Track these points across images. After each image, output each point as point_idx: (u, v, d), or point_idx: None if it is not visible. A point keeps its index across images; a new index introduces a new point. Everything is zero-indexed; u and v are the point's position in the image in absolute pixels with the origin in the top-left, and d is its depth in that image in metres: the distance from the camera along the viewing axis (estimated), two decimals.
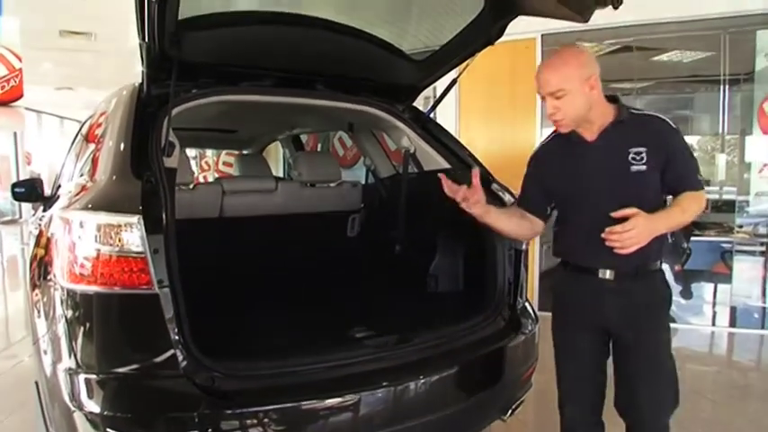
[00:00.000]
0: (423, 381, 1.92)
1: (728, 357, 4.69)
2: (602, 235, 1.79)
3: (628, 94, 5.97)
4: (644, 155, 1.86)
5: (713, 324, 5.27)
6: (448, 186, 1.98)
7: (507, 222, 2.09)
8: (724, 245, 5.40)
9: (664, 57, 6.43)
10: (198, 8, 2.03)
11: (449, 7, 2.38)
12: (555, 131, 2.04)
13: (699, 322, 5.27)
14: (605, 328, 1.99)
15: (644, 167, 1.86)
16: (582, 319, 2.01)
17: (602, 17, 2.12)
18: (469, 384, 2.11)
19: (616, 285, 1.92)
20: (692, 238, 5.40)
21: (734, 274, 5.24)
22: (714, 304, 5.61)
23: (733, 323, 5.12)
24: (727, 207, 5.67)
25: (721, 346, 4.93)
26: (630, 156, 1.87)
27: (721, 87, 5.52)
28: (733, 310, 5.22)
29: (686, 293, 5.59)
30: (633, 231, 1.76)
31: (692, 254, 5.40)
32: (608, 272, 1.93)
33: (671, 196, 1.95)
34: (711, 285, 5.70)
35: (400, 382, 1.88)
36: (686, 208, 1.88)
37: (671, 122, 1.93)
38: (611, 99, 1.96)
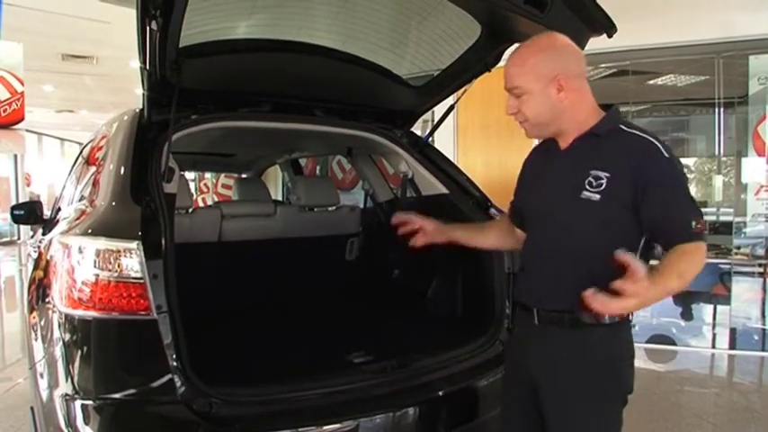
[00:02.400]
0: (422, 406, 1.92)
1: (729, 379, 4.66)
2: (585, 293, 1.30)
3: (624, 117, 6.01)
4: (603, 181, 1.47)
5: (713, 346, 5.26)
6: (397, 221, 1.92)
7: (484, 238, 1.94)
8: (722, 266, 5.41)
9: (659, 80, 6.51)
10: (198, 36, 2.07)
11: (446, 34, 2.41)
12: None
13: (698, 344, 5.26)
14: (531, 384, 1.60)
15: (597, 196, 1.47)
16: (511, 369, 1.74)
17: (597, 42, 2.16)
18: (469, 410, 2.10)
19: (541, 331, 1.57)
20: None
21: (733, 296, 5.24)
22: (714, 326, 5.59)
23: (733, 345, 5.11)
24: (725, 228, 5.70)
25: (721, 368, 4.90)
26: (588, 179, 1.49)
27: (716, 110, 5.59)
28: (733, 331, 5.22)
29: (686, 315, 5.58)
30: (617, 300, 1.27)
31: None
32: (535, 311, 1.58)
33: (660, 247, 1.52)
34: (711, 307, 5.70)
35: (399, 408, 1.87)
36: (683, 273, 1.38)
37: (662, 148, 1.48)
38: (606, 108, 1.63)
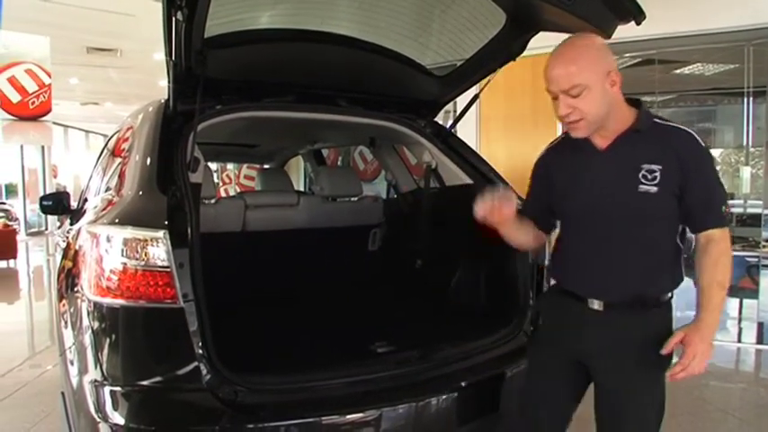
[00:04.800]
0: (444, 396, 1.92)
1: (756, 374, 4.59)
2: (668, 379, 1.58)
3: (649, 107, 5.91)
4: (657, 174, 1.57)
5: (739, 340, 5.16)
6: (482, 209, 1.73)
7: (517, 234, 1.87)
8: (750, 259, 5.30)
9: (686, 70, 6.38)
10: (223, 27, 2.07)
11: (470, 23, 2.38)
12: (564, 134, 1.78)
13: (724, 338, 5.17)
14: (583, 363, 1.72)
15: (654, 188, 1.56)
16: (558, 345, 1.76)
17: (624, 30, 2.11)
18: (491, 401, 2.09)
19: (604, 317, 1.65)
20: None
21: (761, 289, 5.14)
22: (740, 320, 5.49)
23: (760, 339, 5.01)
24: (753, 221, 5.58)
25: (748, 362, 4.82)
26: (642, 173, 1.58)
27: (745, 99, 5.46)
28: (760, 325, 5.12)
29: None
30: (696, 360, 1.51)
31: None
32: (596, 302, 1.66)
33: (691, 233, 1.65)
34: (737, 301, 5.60)
35: (422, 398, 1.87)
36: (723, 279, 1.58)
37: (699, 139, 1.60)
38: (633, 103, 1.68)
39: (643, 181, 1.57)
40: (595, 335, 1.66)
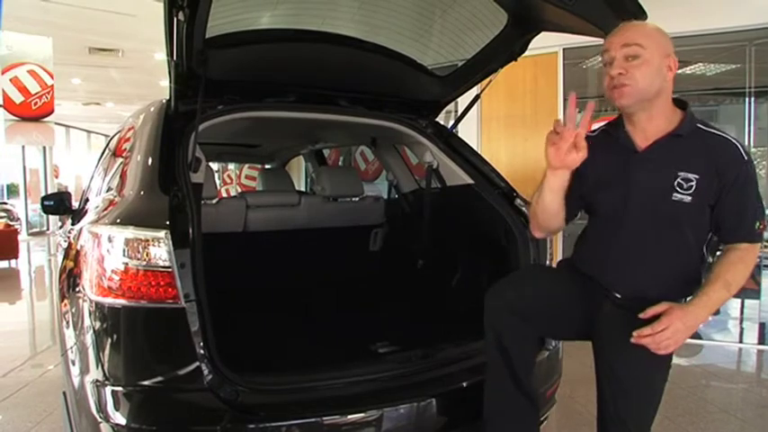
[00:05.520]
0: (446, 396, 1.92)
1: (757, 375, 4.57)
2: (632, 340, 1.50)
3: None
4: (693, 183, 1.54)
5: (740, 341, 5.16)
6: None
7: (556, 201, 1.73)
8: None
9: (687, 70, 6.37)
10: (224, 27, 2.08)
11: (472, 23, 2.39)
12: (603, 128, 1.75)
13: (725, 339, 5.16)
14: (590, 330, 1.74)
15: (689, 198, 1.54)
16: (574, 293, 1.75)
17: None
18: None
19: (620, 307, 1.67)
20: (718, 253, 5.30)
21: (763, 290, 5.13)
22: (742, 320, 5.48)
23: (762, 340, 5.00)
24: None
25: (749, 363, 4.81)
26: (677, 180, 1.55)
27: (747, 99, 5.46)
28: (762, 326, 5.11)
29: None
30: (667, 332, 1.46)
31: None
32: (619, 294, 1.69)
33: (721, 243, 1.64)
34: (738, 301, 5.59)
35: (423, 398, 1.87)
36: (731, 280, 1.54)
37: (742, 150, 1.56)
38: (680, 104, 1.66)
39: (678, 189, 1.55)
40: (609, 312, 1.68)
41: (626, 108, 1.62)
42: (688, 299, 1.62)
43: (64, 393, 2.06)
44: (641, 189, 1.61)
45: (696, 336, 5.03)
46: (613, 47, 1.58)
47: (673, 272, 1.64)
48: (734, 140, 1.58)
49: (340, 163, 8.24)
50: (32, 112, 8.03)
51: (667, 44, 1.57)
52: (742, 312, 5.49)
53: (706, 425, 3.11)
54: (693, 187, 1.54)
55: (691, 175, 1.54)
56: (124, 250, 1.65)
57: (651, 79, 1.55)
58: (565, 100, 5.05)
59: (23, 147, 13.48)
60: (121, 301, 1.63)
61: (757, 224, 1.57)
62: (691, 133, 1.59)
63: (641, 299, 1.59)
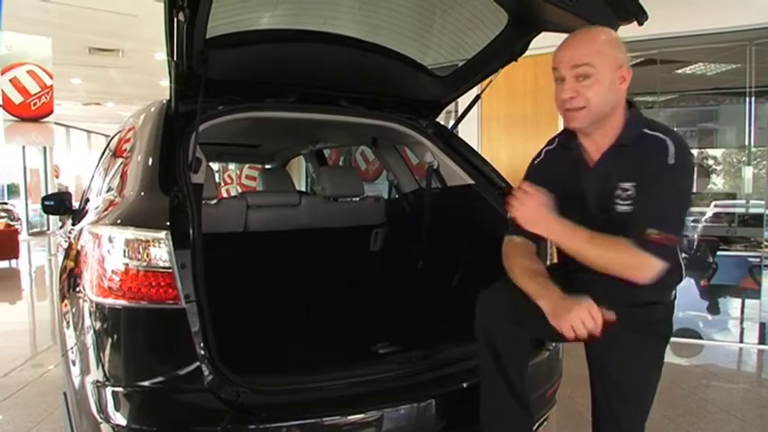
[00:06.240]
0: (446, 397, 1.92)
1: (758, 375, 4.57)
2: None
3: (650, 107, 5.93)
4: (631, 192, 1.51)
5: (741, 341, 5.16)
6: None
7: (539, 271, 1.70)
8: (752, 259, 5.30)
9: (688, 69, 6.38)
10: (224, 27, 2.07)
11: (472, 23, 2.39)
12: (554, 139, 1.74)
13: (726, 339, 5.16)
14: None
15: (629, 208, 1.51)
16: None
17: (625, 30, 2.10)
18: None
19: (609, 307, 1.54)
20: (719, 253, 5.32)
21: (763, 290, 5.13)
22: (742, 320, 5.49)
23: (762, 340, 5.00)
24: (755, 221, 5.57)
25: (750, 363, 4.81)
26: (617, 191, 1.52)
27: (747, 99, 5.47)
28: (762, 326, 5.11)
29: (713, 309, 5.49)
30: (517, 203, 1.54)
31: (718, 269, 5.32)
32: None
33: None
34: (739, 301, 5.59)
35: (423, 399, 1.87)
36: (599, 243, 1.47)
37: (672, 154, 1.47)
38: (629, 106, 1.62)
39: (617, 201, 1.53)
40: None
41: (580, 130, 1.61)
42: (671, 296, 1.67)
43: (64, 394, 2.06)
44: (593, 201, 1.61)
45: (697, 336, 5.04)
46: (563, 66, 1.53)
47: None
48: (670, 143, 1.49)
49: (340, 163, 8.24)
50: (32, 113, 8.04)
51: (618, 55, 1.52)
52: (742, 312, 5.50)
53: (706, 425, 3.11)
54: (633, 196, 1.51)
55: (627, 185, 1.51)
56: (124, 251, 1.65)
57: (604, 98, 1.51)
58: None
59: (24, 147, 13.49)
60: (122, 302, 1.63)
61: (649, 230, 1.44)
62: (635, 140, 1.54)
63: (624, 303, 1.56)
